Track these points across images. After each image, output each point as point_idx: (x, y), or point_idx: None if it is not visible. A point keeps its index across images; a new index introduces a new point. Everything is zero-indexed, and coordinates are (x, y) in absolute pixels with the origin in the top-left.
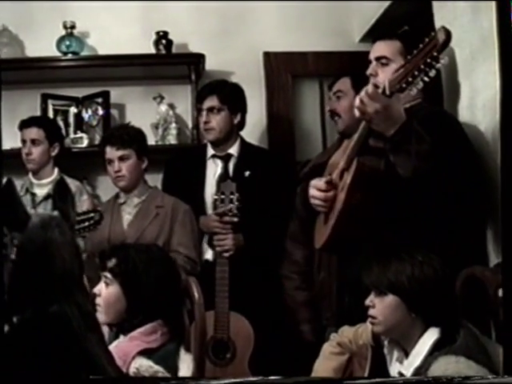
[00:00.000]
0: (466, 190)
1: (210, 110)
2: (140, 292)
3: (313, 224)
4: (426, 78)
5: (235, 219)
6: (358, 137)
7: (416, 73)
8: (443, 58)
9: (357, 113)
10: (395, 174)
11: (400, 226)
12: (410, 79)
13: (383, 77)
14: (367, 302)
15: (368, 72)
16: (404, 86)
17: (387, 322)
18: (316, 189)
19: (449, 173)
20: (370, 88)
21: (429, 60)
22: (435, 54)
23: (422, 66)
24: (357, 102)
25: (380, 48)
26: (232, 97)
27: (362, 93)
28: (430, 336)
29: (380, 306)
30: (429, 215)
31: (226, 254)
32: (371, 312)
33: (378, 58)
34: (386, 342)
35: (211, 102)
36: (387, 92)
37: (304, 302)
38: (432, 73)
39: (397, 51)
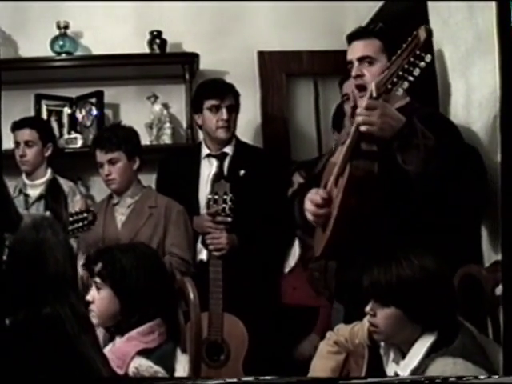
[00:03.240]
0: (465, 188)
1: (231, 107)
2: (131, 291)
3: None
4: (410, 78)
5: (228, 219)
6: (349, 141)
7: (400, 73)
8: (426, 56)
9: (363, 128)
10: (390, 177)
11: (396, 226)
12: (395, 80)
13: (370, 76)
14: (367, 309)
15: (353, 74)
16: (390, 87)
17: (388, 331)
18: (311, 202)
19: (450, 171)
20: (362, 103)
21: (412, 59)
22: (417, 52)
23: (406, 66)
24: (359, 119)
25: (360, 48)
26: (238, 96)
27: (360, 110)
28: (427, 338)
29: (381, 315)
30: (426, 215)
31: (219, 253)
32: (372, 320)
33: (361, 59)
34: (382, 343)
35: (230, 100)
36: (374, 94)
37: None
38: (416, 72)
39: (378, 49)
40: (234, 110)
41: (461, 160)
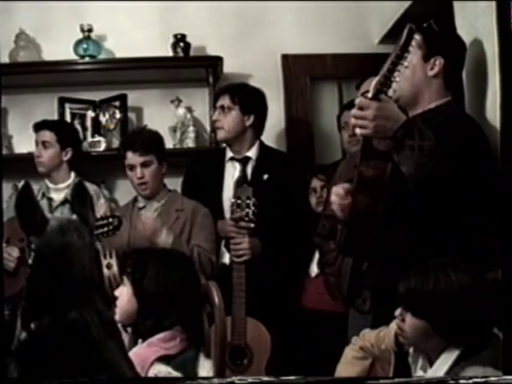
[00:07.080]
0: (475, 192)
1: (221, 108)
2: (149, 294)
3: None
4: (396, 78)
5: (251, 225)
6: (362, 141)
7: (387, 73)
8: (408, 56)
9: (358, 131)
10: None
11: (407, 227)
12: (383, 80)
13: None
14: (397, 313)
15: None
16: (379, 87)
17: (415, 339)
18: (335, 195)
19: (454, 170)
20: (357, 100)
21: (395, 60)
22: (399, 53)
23: (391, 67)
24: (352, 120)
25: None
26: (245, 98)
27: (353, 111)
28: (456, 347)
29: (409, 323)
30: (438, 215)
31: (242, 259)
32: (401, 325)
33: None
34: (411, 350)
35: (223, 101)
36: (370, 96)
37: None
38: (396, 73)
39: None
40: (226, 110)
41: (466, 163)
